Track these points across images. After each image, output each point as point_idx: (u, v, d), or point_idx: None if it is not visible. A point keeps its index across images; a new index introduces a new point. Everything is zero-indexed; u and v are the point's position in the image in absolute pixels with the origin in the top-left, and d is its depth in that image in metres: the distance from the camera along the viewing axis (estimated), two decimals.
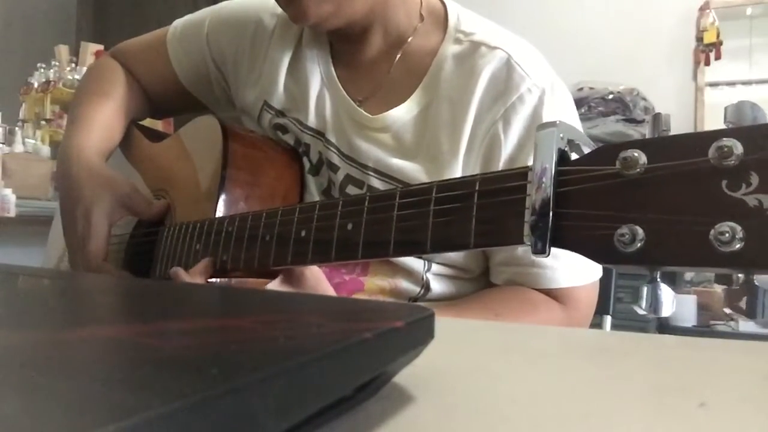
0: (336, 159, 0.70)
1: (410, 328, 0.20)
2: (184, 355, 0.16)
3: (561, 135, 0.37)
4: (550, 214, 0.35)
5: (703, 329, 2.36)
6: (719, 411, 0.20)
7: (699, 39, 2.90)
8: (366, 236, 0.46)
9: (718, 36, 2.85)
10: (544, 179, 0.36)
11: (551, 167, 0.36)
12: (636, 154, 0.32)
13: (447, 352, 0.26)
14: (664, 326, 2.38)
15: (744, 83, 3.01)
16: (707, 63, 2.89)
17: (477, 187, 0.41)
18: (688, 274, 2.53)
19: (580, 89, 2.71)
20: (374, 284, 0.67)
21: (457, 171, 0.64)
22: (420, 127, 0.67)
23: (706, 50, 2.88)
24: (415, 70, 0.69)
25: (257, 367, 0.14)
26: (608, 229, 0.33)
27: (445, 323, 0.24)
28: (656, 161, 0.32)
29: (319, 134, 0.72)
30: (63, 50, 3.03)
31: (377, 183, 0.67)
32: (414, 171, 0.66)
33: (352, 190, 0.69)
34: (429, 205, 0.42)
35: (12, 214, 2.32)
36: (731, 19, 2.90)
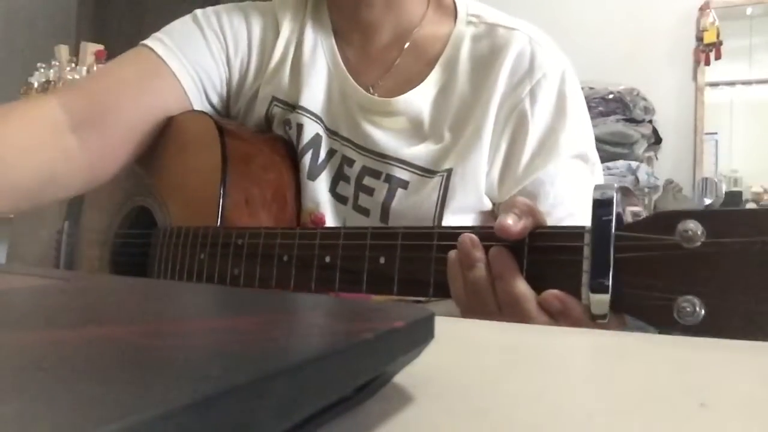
0: (351, 153, 0.70)
1: (410, 328, 0.19)
2: (184, 355, 0.16)
3: (619, 198, 0.37)
4: (610, 280, 0.36)
5: None
6: (719, 411, 0.20)
7: (699, 39, 2.90)
8: (402, 274, 0.45)
9: (718, 36, 2.85)
10: (604, 244, 0.36)
11: (612, 232, 0.36)
12: (693, 226, 0.33)
13: (447, 352, 0.26)
14: None
15: (744, 83, 3.01)
16: (707, 63, 2.89)
17: (527, 242, 0.40)
18: None
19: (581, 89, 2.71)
20: None
21: (482, 149, 0.65)
22: (439, 107, 0.68)
23: (706, 50, 2.88)
24: (425, 56, 0.70)
25: (257, 367, 0.14)
26: (668, 300, 0.34)
27: (445, 323, 0.24)
28: (715, 236, 0.32)
29: (330, 128, 0.71)
30: (63, 50, 3.03)
31: (396, 171, 0.66)
32: (432, 152, 0.66)
33: (369, 181, 0.68)
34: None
35: (12, 214, 2.31)
36: (731, 19, 2.90)
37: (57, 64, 2.97)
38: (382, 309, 0.23)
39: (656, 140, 2.77)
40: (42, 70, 2.97)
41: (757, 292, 0.31)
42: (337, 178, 0.71)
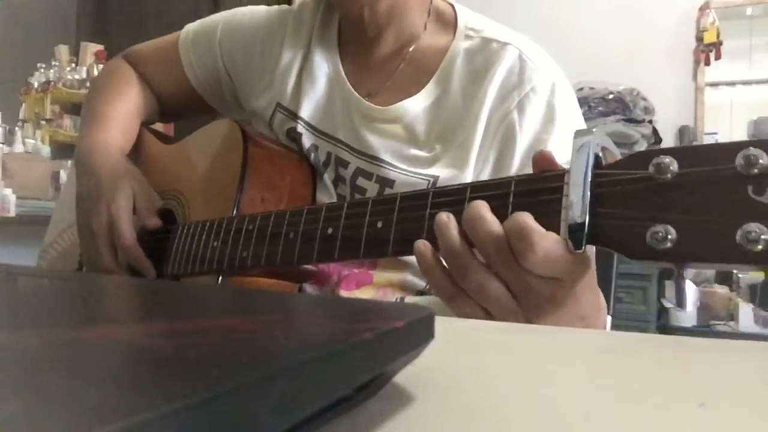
0: (346, 155, 0.72)
1: (410, 328, 0.20)
2: (184, 355, 0.16)
3: (597, 142, 0.39)
4: (587, 213, 0.37)
5: (703, 329, 2.36)
6: (719, 411, 0.20)
7: (699, 39, 2.90)
8: (397, 234, 0.46)
9: (718, 36, 2.85)
10: (581, 181, 0.38)
11: (589, 170, 0.38)
12: (667, 160, 0.34)
13: (447, 352, 0.26)
14: (664, 326, 2.38)
15: (744, 83, 3.01)
16: (707, 63, 2.89)
17: (512, 188, 0.41)
18: (688, 273, 2.53)
19: (580, 89, 2.71)
20: (383, 277, 0.69)
21: (470, 160, 0.66)
22: (433, 118, 0.69)
23: (706, 50, 2.88)
24: (424, 67, 0.71)
25: (257, 367, 0.14)
26: (642, 228, 0.35)
27: (445, 323, 0.24)
28: (686, 167, 0.34)
29: (327, 132, 0.73)
30: (63, 50, 3.03)
31: (386, 173, 0.68)
32: (421, 159, 0.68)
33: (362, 182, 0.71)
34: (462, 204, 0.43)
35: (12, 214, 2.32)
36: (731, 19, 2.90)
37: (57, 64, 2.97)
38: (382, 309, 0.23)
39: (656, 140, 2.77)
40: (42, 70, 2.97)
41: (722, 215, 0.32)
42: (336, 181, 0.73)
